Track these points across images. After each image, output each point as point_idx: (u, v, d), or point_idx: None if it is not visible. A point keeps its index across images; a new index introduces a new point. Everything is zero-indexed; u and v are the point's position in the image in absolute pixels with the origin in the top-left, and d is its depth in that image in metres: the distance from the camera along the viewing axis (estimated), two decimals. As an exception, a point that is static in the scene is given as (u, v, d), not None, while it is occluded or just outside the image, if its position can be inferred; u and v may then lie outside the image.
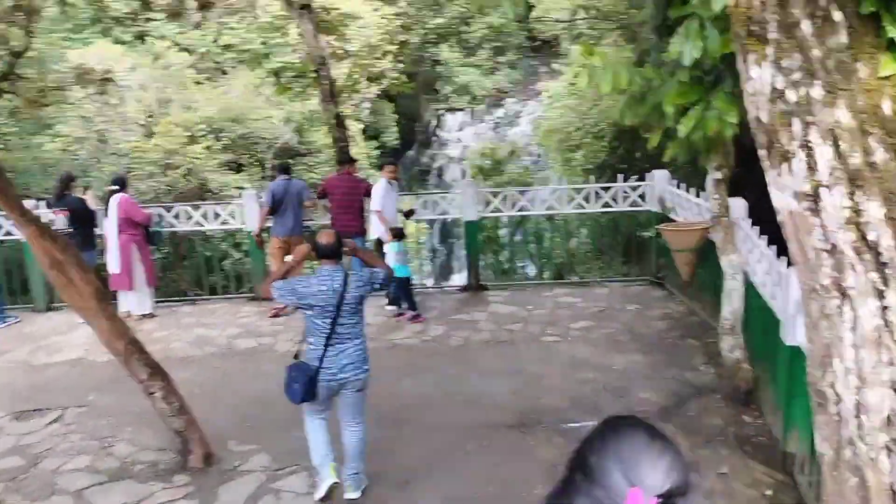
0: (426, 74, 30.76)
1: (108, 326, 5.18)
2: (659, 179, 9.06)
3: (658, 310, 8.41)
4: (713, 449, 5.29)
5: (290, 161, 16.16)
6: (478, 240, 9.41)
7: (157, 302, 9.70)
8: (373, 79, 10.70)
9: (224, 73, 22.70)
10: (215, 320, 8.93)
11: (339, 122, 9.86)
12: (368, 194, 9.15)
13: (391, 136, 27.89)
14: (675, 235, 7.61)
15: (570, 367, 6.84)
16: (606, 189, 9.24)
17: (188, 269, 11.38)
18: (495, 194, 9.41)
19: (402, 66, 11.38)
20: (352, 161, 9.33)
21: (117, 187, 8.80)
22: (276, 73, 10.07)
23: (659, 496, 1.12)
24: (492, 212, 9.44)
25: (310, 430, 4.91)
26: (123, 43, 21.06)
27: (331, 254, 4.66)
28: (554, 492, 1.25)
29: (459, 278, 12.16)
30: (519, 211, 9.42)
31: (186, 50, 22.14)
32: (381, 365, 7.25)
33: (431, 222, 19.41)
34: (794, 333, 4.65)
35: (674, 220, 8.53)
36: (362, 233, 9.11)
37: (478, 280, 9.48)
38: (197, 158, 17.88)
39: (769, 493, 4.70)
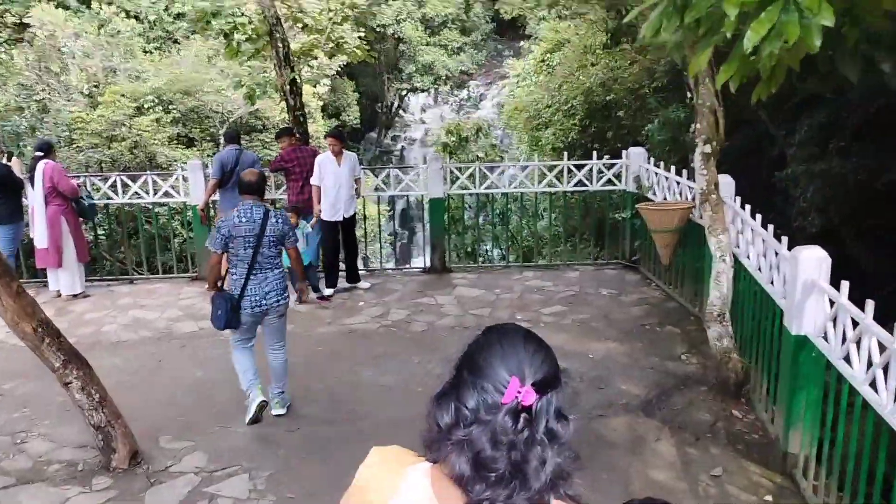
0: (388, 53, 29.92)
1: (14, 306, 4.42)
2: (635, 157, 8.55)
3: (633, 295, 7.92)
4: (703, 447, 4.78)
5: (242, 134, 15.31)
6: (443, 218, 8.78)
7: (91, 281, 8.89)
8: (331, 47, 9.88)
9: (176, 42, 21.64)
10: (154, 301, 8.16)
11: (293, 89, 9.10)
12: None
13: (352, 116, 27.02)
14: (654, 215, 7.10)
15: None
16: (579, 167, 8.69)
17: (133, 248, 10.56)
18: (462, 170, 8.78)
19: (362, 33, 10.52)
20: (289, 132, 8.57)
21: (41, 153, 7.94)
22: (227, 35, 9.18)
23: (533, 384, 1.26)
24: (459, 189, 8.82)
25: (237, 358, 5.29)
26: (67, 7, 19.81)
27: (252, 190, 5.13)
28: (443, 389, 1.33)
29: (421, 261, 11.57)
30: (487, 188, 8.81)
31: (136, 17, 20.99)
32: (337, 352, 6.64)
33: (392, 203, 18.78)
34: (801, 321, 4.15)
35: (651, 200, 8.04)
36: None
37: (442, 262, 8.87)
38: (144, 131, 16.91)
39: (769, 498, 4.21)
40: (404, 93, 31.49)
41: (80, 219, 8.27)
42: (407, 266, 9.41)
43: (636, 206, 7.50)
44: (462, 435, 1.23)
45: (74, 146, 15.64)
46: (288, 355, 5.45)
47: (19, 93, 17.67)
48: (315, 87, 19.02)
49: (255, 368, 5.28)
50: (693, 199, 7.02)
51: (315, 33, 10.07)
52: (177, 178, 8.86)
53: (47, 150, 8.03)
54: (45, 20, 18.64)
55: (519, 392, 1.23)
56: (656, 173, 7.97)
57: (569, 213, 9.95)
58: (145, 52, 20.37)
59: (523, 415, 1.23)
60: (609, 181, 8.72)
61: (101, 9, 19.72)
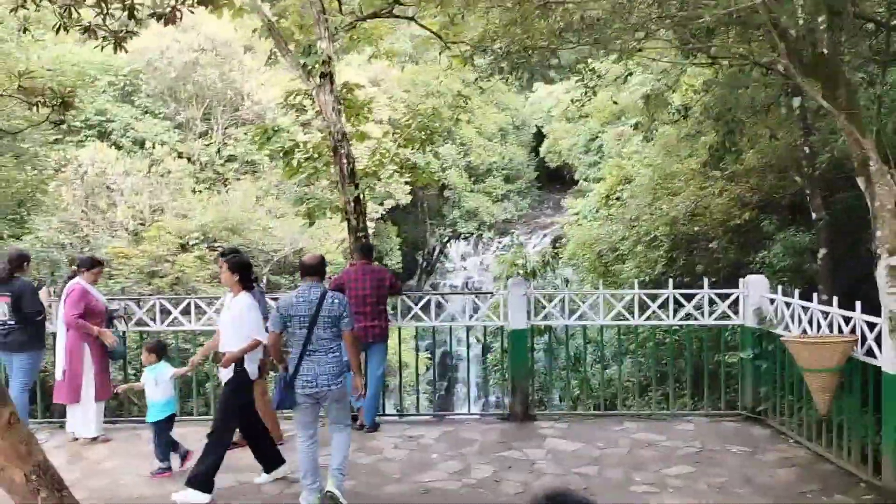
0: (432, 199, 29.80)
1: (4, 445, 3.17)
2: (755, 286, 7.30)
3: (771, 454, 6.38)
4: None
5: (284, 274, 14.40)
6: (527, 355, 7.46)
7: (114, 422, 7.61)
8: (399, 166, 9.10)
9: (225, 183, 21.54)
10: (187, 448, 6.78)
11: (357, 208, 8.19)
12: (395, 290, 7.39)
13: (394, 261, 26.40)
14: (808, 351, 5.73)
15: (684, 532, 4.75)
16: (688, 297, 7.44)
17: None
18: (549, 298, 7.58)
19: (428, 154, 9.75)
20: (370, 250, 7.59)
21: (80, 268, 6.96)
22: (286, 153, 8.44)
23: None
24: (544, 320, 7.57)
25: (301, 449, 5.25)
26: (120, 147, 19.93)
27: (312, 272, 5.29)
28: None
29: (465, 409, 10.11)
30: (578, 319, 7.54)
31: (188, 159, 21.05)
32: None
33: (432, 349, 17.46)
34: None
35: (779, 336, 6.71)
36: (385, 336, 7.26)
37: (525, 407, 7.45)
38: (188, 268, 16.23)
39: None
40: (446, 239, 31.02)
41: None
42: (479, 412, 7.99)
43: (782, 338, 6.13)
44: None
45: (114, 281, 14.89)
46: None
47: (63, 228, 17.31)
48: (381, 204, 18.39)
49: (318, 471, 5.23)
50: (853, 332, 5.69)
51: (379, 155, 9.32)
52: (223, 303, 7.76)
53: (89, 265, 7.03)
54: (96, 158, 18.65)
55: None
56: (788, 304, 6.68)
57: (676, 351, 8.54)
58: (194, 191, 20.20)
59: None
60: (723, 315, 7.43)
61: (153, 148, 19.78)
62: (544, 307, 7.53)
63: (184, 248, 17.41)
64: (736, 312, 7.42)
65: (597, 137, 22.59)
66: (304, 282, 5.27)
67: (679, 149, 11.39)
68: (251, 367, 5.58)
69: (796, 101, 7.38)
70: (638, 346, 8.59)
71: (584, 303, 7.49)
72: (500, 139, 30.20)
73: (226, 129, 22.07)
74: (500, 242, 31.53)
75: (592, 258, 12.14)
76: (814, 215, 7.48)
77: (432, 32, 9.79)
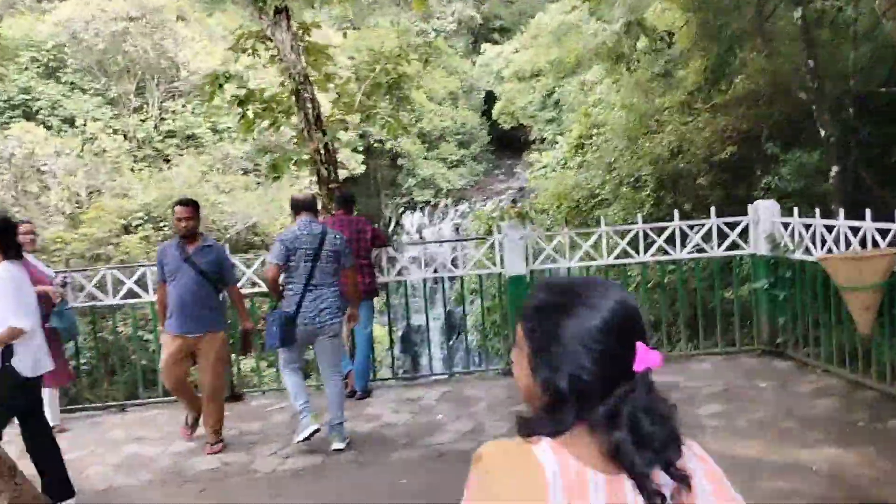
0: (384, 169, 28.92)
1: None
2: (765, 211, 6.80)
3: (803, 385, 5.92)
4: None
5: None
6: (529, 302, 6.84)
7: (71, 411, 6.73)
8: (363, 117, 8.30)
9: (167, 159, 20.27)
10: (154, 433, 5.97)
11: (328, 154, 7.39)
12: (380, 240, 6.68)
13: (350, 234, 25.57)
14: (850, 268, 5.23)
15: (742, 474, 4.20)
16: (694, 229, 6.90)
17: (129, 367, 8.53)
18: (549, 239, 6.95)
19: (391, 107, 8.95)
20: (350, 201, 6.84)
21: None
22: (241, 102, 7.56)
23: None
24: (543, 264, 6.94)
25: (288, 378, 5.19)
26: (49, 127, 18.47)
27: (307, 207, 5.26)
28: (539, 351, 1.22)
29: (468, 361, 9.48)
30: (582, 261, 6.94)
31: (123, 135, 19.70)
32: (435, 487, 4.44)
33: (390, 323, 16.77)
34: None
35: (793, 262, 6.26)
36: (373, 291, 6.55)
37: (530, 359, 6.83)
38: (133, 249, 15.12)
39: None
40: (401, 210, 30.21)
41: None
42: (479, 367, 7.33)
43: (818, 257, 5.62)
44: (605, 411, 1.13)
45: (53, 267, 13.72)
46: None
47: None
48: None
49: (306, 388, 5.28)
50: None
51: (343, 101, 8.50)
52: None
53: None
54: (23, 139, 17.24)
55: (647, 357, 1.16)
56: (808, 225, 6.19)
57: (685, 287, 8.02)
58: (133, 170, 18.92)
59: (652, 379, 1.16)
60: (732, 245, 6.92)
61: (85, 126, 18.39)
62: (542, 250, 6.90)
63: (127, 229, 16.26)
64: (746, 242, 6.92)
65: (553, 92, 22.00)
66: (300, 217, 5.19)
67: (653, 86, 10.84)
68: (23, 362, 4.11)
69: (798, 12, 6.86)
70: (644, 285, 8.02)
71: (585, 242, 6.88)
72: (450, 104, 29.40)
73: (162, 102, 20.74)
74: (456, 210, 30.90)
75: (568, 207, 11.57)
76: (822, 132, 7.00)
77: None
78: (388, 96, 8.76)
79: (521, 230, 6.79)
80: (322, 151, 7.41)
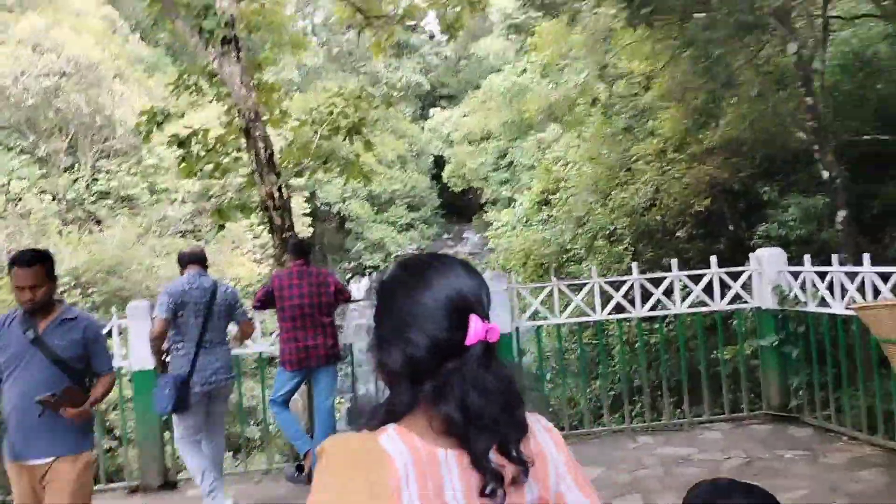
0: (332, 233, 28.05)
1: None
2: (770, 260, 6.18)
3: (835, 455, 5.17)
4: None
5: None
6: (515, 362, 5.97)
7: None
8: (323, 160, 7.50)
9: (98, 222, 18.97)
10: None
11: (281, 200, 6.51)
12: (344, 296, 5.77)
13: (295, 301, 24.42)
14: (892, 315, 4.56)
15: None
16: (695, 280, 6.22)
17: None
18: (535, 292, 6.16)
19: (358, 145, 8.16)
20: (307, 251, 5.92)
21: None
22: (182, 143, 6.67)
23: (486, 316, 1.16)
24: (532, 320, 6.12)
25: (190, 454, 4.73)
26: (-33, 186, 17.07)
27: (195, 260, 4.87)
28: (379, 338, 1.22)
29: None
30: (572, 316, 6.14)
31: (52, 195, 18.38)
32: None
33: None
34: None
35: (803, 314, 5.63)
36: (336, 355, 5.60)
37: (518, 431, 5.93)
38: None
39: None
40: (349, 276, 29.19)
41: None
42: None
43: (854, 306, 4.94)
44: (434, 387, 1.10)
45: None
46: None
47: None
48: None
49: (214, 467, 4.78)
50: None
51: (298, 144, 7.70)
52: (108, 333, 5.85)
53: None
54: (-61, 199, 15.83)
55: (486, 331, 1.12)
56: (823, 274, 5.57)
57: (665, 349, 7.29)
58: (60, 233, 17.56)
59: (490, 352, 1.12)
60: (734, 298, 6.26)
61: (9, 185, 17.07)
62: (528, 305, 6.10)
63: (52, 295, 14.90)
64: (749, 294, 6.27)
65: (506, 154, 21.71)
66: (189, 270, 4.80)
67: (621, 137, 10.39)
68: None
69: (792, 47, 6.45)
70: (643, 343, 7.26)
71: (576, 295, 6.10)
72: (400, 167, 28.95)
73: (96, 161, 19.58)
74: (405, 275, 30.05)
75: (535, 264, 10.87)
76: (825, 174, 6.50)
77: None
78: (346, 140, 7.97)
79: (505, 282, 5.98)
80: (275, 195, 6.53)
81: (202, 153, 7.16)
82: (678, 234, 8.71)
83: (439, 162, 29.62)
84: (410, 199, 28.58)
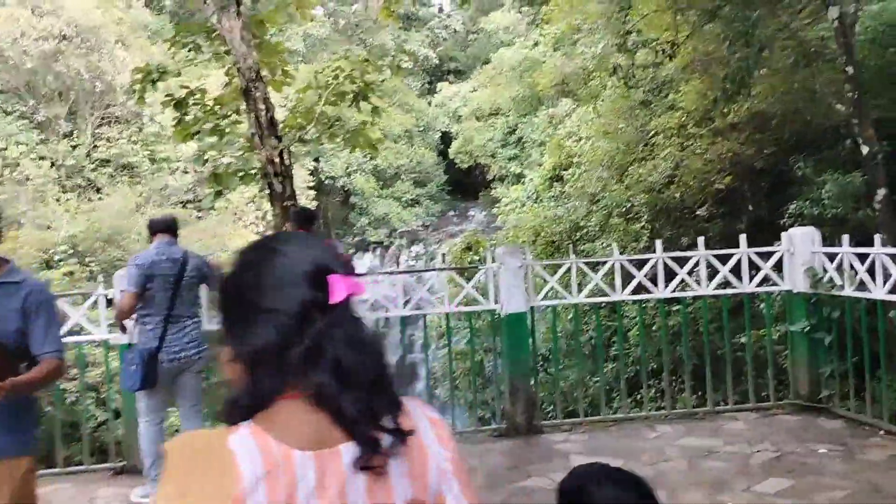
0: (336, 207, 27.64)
1: None
2: (802, 241, 5.78)
3: (873, 451, 4.80)
4: None
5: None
6: (528, 346, 5.59)
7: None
8: (327, 126, 7.08)
9: (98, 189, 18.59)
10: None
11: (283, 166, 6.10)
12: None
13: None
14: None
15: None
16: (722, 258, 5.81)
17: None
18: (551, 270, 5.76)
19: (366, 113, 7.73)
20: (311, 219, 5.52)
21: None
22: (178, 104, 6.26)
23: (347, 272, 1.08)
24: (548, 300, 5.74)
25: (147, 433, 4.51)
26: (-37, 151, 16.67)
27: (164, 228, 4.63)
28: (236, 317, 1.10)
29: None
30: (592, 296, 5.76)
31: (51, 161, 17.97)
32: None
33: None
34: None
35: (838, 298, 5.24)
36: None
37: (530, 416, 5.57)
38: (54, 287, 13.39)
39: None
40: (353, 251, 28.81)
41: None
42: (471, 427, 5.95)
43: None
44: (302, 353, 1.00)
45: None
46: None
47: None
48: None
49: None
50: None
51: (301, 108, 7.28)
52: (94, 304, 5.51)
53: None
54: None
55: (351, 285, 1.05)
56: (864, 255, 5.17)
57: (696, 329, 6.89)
58: (59, 200, 17.20)
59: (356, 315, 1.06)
60: (764, 280, 5.87)
61: (6, 150, 16.67)
62: (544, 284, 5.71)
63: (48, 264, 14.57)
64: (780, 276, 5.88)
65: (515, 129, 21.21)
66: (158, 239, 4.54)
67: (638, 111, 9.93)
68: None
69: (833, 12, 5.99)
70: (665, 324, 6.84)
71: (595, 273, 5.71)
72: (406, 142, 28.42)
73: (96, 128, 19.15)
74: (410, 252, 29.70)
75: (546, 241, 10.47)
76: (864, 149, 6.07)
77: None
78: (353, 107, 7.55)
79: (521, 257, 5.58)
80: (276, 161, 6.12)
81: (199, 115, 6.74)
82: (698, 212, 8.28)
83: (446, 138, 29.09)
84: (416, 174, 28.08)
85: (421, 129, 29.75)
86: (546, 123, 17.02)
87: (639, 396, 7.16)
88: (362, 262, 30.13)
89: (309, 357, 0.99)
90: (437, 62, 34.52)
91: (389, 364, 1.07)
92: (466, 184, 29.76)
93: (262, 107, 6.22)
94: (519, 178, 18.27)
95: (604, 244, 9.00)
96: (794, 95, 7.35)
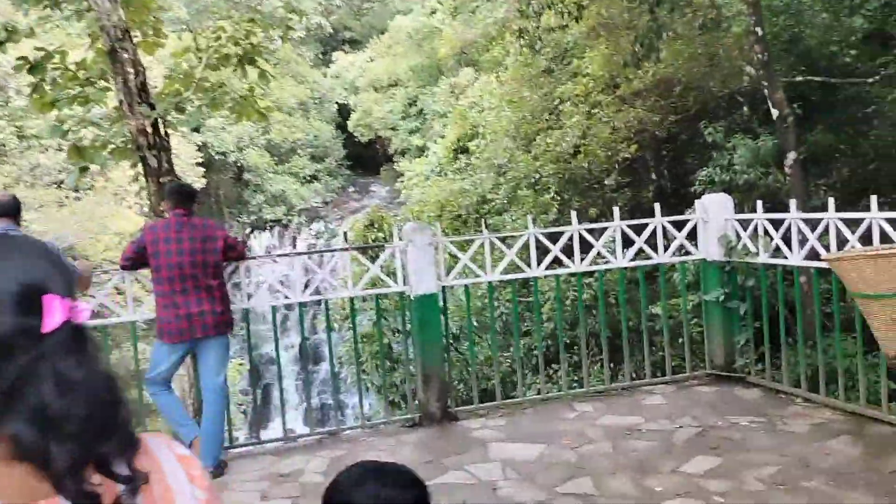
0: (228, 184, 26.34)
1: None
2: (716, 208, 5.64)
3: (795, 421, 4.71)
4: None
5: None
6: (440, 328, 5.19)
7: None
8: (211, 95, 6.39)
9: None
10: None
11: (157, 137, 5.40)
12: (237, 253, 4.85)
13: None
14: (878, 268, 4.05)
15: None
16: (636, 230, 5.59)
17: None
18: (462, 246, 5.38)
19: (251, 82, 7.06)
20: (190, 196, 4.88)
21: None
22: (34, 67, 5.42)
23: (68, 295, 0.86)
24: (459, 279, 5.35)
25: None
26: None
27: (4, 212, 4.10)
28: None
29: (278, 427, 7.50)
30: (507, 272, 5.42)
31: None
32: None
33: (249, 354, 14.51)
34: None
35: (755, 266, 5.15)
36: (228, 323, 4.69)
37: (444, 404, 5.19)
38: None
39: None
40: (248, 230, 27.64)
41: None
42: (380, 419, 5.48)
43: (824, 256, 4.40)
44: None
45: None
46: None
47: None
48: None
49: None
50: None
51: (180, 73, 6.54)
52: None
53: None
54: None
55: (69, 309, 0.85)
56: (778, 221, 5.06)
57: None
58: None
59: (80, 341, 0.86)
60: (678, 250, 5.71)
61: None
62: (455, 260, 5.32)
63: None
64: (696, 245, 5.74)
65: (416, 101, 20.69)
66: None
67: (542, 79, 9.66)
68: None
69: (741, -29, 5.85)
70: (580, 300, 6.61)
71: (509, 249, 5.37)
72: (301, 114, 27.34)
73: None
74: (311, 230, 28.79)
75: (452, 215, 10.11)
76: (774, 113, 5.98)
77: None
78: (238, 72, 6.86)
79: (429, 235, 5.15)
80: (149, 132, 5.40)
81: (60, 81, 5.90)
82: (606, 182, 8.12)
83: (344, 111, 28.21)
84: (313, 149, 27.11)
85: (316, 101, 28.71)
86: (448, 94, 16.60)
87: (555, 373, 6.94)
88: (260, 242, 29.02)
89: (4, 400, 0.81)
90: (332, 31, 33.36)
91: (122, 400, 0.88)
92: (367, 158, 29.06)
93: (131, 70, 5.48)
94: (421, 150, 17.83)
95: (513, 217, 8.72)
96: (700, 60, 7.27)
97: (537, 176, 8.65)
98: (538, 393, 5.77)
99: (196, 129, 6.23)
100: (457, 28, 13.59)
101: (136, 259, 4.66)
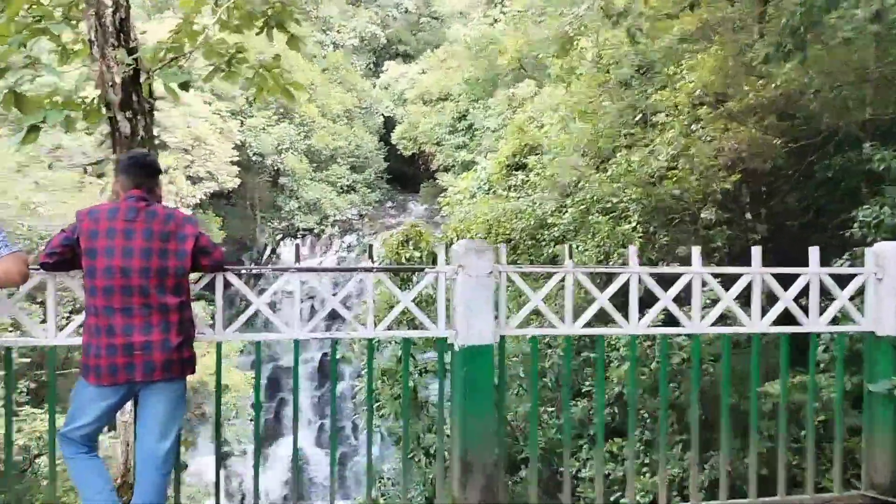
0: (263, 188, 25.14)
1: None
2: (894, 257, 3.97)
3: None
4: None
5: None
6: (492, 397, 3.58)
7: None
8: (227, 60, 4.94)
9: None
10: None
11: (137, 97, 3.95)
12: (213, 260, 3.31)
13: (213, 263, 21.57)
14: None
15: None
16: (783, 281, 3.93)
17: None
18: (534, 281, 3.76)
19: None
20: (151, 170, 3.35)
21: None
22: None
23: None
24: (524, 326, 3.76)
25: None
26: None
27: None
28: None
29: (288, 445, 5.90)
30: (590, 326, 3.79)
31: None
32: None
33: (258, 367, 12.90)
34: None
35: None
36: (184, 366, 3.16)
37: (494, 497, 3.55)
38: None
39: None
40: (280, 237, 26.38)
41: None
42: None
43: None
44: None
45: None
46: None
47: None
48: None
49: None
50: None
51: (189, 28, 5.09)
52: None
53: None
54: None
55: None
56: None
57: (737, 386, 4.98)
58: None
59: None
60: (838, 316, 4.03)
61: None
62: (520, 299, 3.71)
63: None
64: (861, 312, 4.05)
65: (465, 116, 19.29)
66: None
67: (623, 89, 8.08)
68: None
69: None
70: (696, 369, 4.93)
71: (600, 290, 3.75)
72: (345, 122, 26.16)
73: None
74: (343, 242, 27.47)
75: (503, 238, 8.54)
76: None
77: None
78: (262, 34, 5.41)
79: (490, 260, 3.56)
80: (117, 84, 3.93)
81: (27, 10, 4.48)
82: (703, 214, 6.48)
83: (389, 123, 26.99)
84: (354, 158, 25.87)
85: (363, 110, 27.55)
86: (504, 106, 15.13)
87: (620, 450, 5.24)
88: (291, 250, 27.67)
89: None
90: (385, 42, 32.34)
91: None
92: (407, 174, 27.78)
93: (108, 0, 4.02)
94: (467, 168, 16.34)
95: (579, 246, 7.11)
96: (851, 66, 5.58)
97: (614, 200, 7.04)
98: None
99: (184, 87, 5.04)
100: (523, 33, 12.16)
101: (62, 255, 3.17)
